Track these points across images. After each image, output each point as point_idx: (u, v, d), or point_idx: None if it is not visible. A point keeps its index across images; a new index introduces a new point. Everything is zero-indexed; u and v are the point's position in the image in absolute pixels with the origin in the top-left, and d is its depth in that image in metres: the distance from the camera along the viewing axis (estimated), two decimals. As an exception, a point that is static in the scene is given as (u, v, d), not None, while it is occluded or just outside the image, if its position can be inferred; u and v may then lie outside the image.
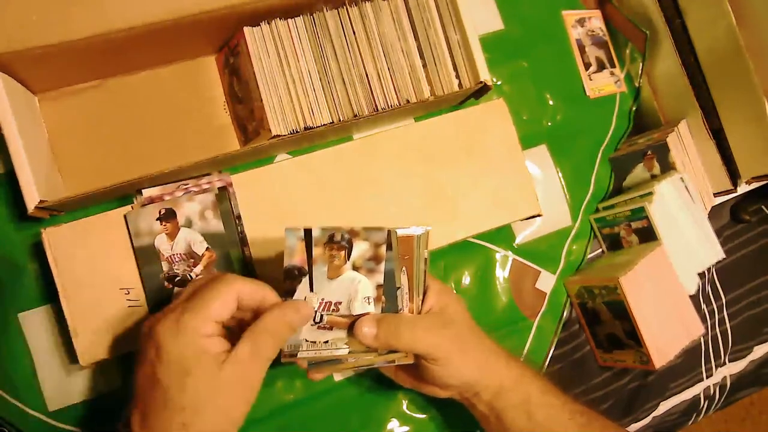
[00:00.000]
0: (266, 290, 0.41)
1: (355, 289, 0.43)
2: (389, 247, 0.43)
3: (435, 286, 0.48)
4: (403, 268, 0.45)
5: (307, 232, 0.41)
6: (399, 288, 0.44)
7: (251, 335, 0.39)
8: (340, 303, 0.43)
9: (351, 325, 0.44)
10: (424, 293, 0.47)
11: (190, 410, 0.37)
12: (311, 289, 0.42)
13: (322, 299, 0.43)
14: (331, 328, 0.44)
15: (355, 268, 0.43)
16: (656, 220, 0.60)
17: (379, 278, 0.43)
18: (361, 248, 0.42)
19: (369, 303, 0.44)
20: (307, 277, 0.42)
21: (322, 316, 0.43)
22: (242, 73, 0.52)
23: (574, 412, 0.49)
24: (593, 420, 0.50)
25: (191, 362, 0.37)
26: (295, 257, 0.41)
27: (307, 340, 0.43)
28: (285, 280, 0.42)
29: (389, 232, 0.43)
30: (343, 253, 0.42)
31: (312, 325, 0.43)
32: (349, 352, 0.44)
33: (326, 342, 0.44)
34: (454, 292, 0.50)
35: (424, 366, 0.46)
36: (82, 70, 0.51)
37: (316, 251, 0.42)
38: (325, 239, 0.41)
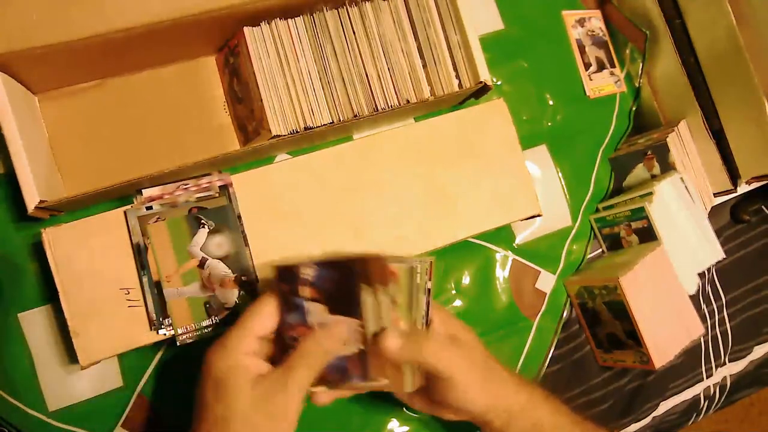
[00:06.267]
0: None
1: None
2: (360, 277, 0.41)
3: (440, 314, 0.48)
4: (389, 302, 0.42)
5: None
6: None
7: (286, 360, 0.41)
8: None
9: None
10: (429, 324, 0.46)
11: (221, 421, 0.39)
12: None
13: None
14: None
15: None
16: (656, 220, 0.60)
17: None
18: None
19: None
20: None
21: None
22: (242, 73, 0.52)
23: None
24: None
25: (229, 375, 0.39)
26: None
27: None
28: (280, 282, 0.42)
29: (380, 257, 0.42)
30: None
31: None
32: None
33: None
34: (462, 321, 0.49)
35: (441, 387, 0.45)
36: (82, 70, 0.51)
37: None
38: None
